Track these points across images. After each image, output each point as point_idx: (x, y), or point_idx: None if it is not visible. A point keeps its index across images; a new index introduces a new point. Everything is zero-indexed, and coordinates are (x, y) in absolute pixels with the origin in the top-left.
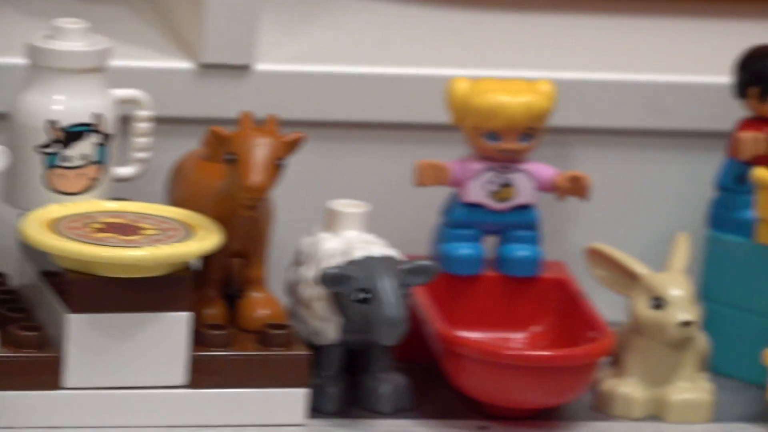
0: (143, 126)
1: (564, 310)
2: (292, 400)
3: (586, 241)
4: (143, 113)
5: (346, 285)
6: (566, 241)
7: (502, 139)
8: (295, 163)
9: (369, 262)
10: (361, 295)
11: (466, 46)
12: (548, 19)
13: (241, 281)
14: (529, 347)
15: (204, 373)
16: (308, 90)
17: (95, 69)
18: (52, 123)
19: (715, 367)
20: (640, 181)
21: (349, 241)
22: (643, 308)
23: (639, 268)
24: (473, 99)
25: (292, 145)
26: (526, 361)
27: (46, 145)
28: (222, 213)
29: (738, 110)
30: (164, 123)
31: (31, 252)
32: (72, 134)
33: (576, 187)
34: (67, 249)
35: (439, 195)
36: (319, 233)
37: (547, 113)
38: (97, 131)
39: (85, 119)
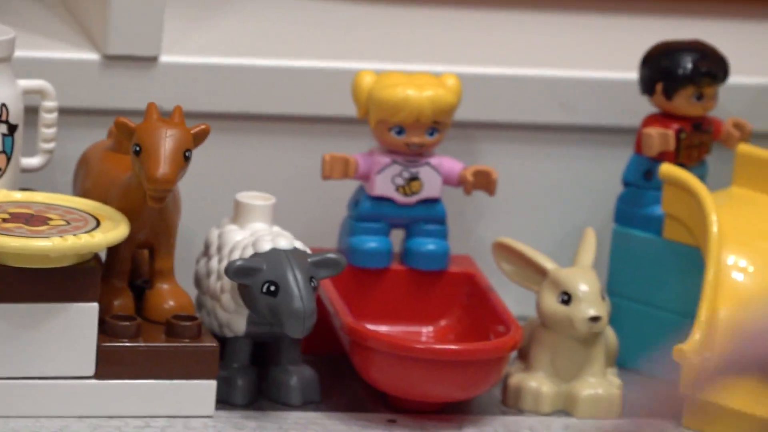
0: (49, 117)
1: (472, 304)
2: (201, 392)
3: (493, 236)
4: (49, 104)
5: (253, 277)
6: (474, 235)
7: (408, 133)
8: (202, 154)
9: (276, 254)
10: (269, 288)
11: (372, 40)
12: (455, 13)
13: (148, 272)
14: (437, 341)
15: (111, 363)
16: (214, 82)
17: (1, 59)
18: None
19: (621, 362)
20: (547, 176)
21: (257, 233)
22: (551, 303)
23: (546, 263)
24: (379, 92)
25: (198, 137)
26: (434, 355)
27: None
28: (129, 204)
29: (645, 106)
30: (70, 114)
31: None
32: None
33: (483, 182)
34: None
35: (347, 188)
36: (227, 225)
37: (453, 107)
38: (2, 121)
39: None
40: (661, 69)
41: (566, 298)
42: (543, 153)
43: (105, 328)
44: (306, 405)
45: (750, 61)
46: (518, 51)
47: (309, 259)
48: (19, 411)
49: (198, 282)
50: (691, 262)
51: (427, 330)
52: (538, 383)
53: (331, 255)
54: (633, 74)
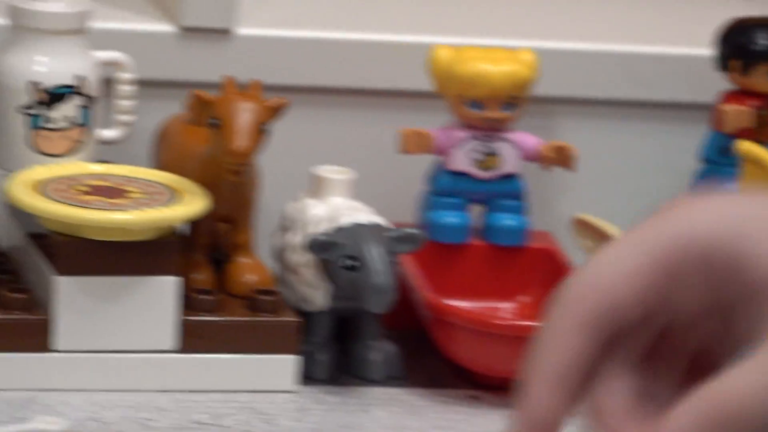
0: (126, 88)
1: (551, 281)
2: (282, 367)
3: (572, 212)
4: (126, 76)
5: (333, 252)
6: (553, 211)
7: (485, 108)
8: (279, 128)
9: (356, 229)
10: (349, 263)
11: (449, 14)
12: None
13: (228, 246)
14: (517, 317)
15: (193, 337)
16: (291, 55)
17: (77, 30)
18: (35, 84)
19: None
20: (625, 152)
21: (336, 207)
22: None
23: None
24: (456, 67)
25: (276, 110)
26: (515, 331)
27: (29, 107)
28: (207, 177)
29: (721, 82)
30: (147, 86)
31: (17, 213)
32: (55, 96)
33: (561, 157)
34: (54, 211)
35: (424, 163)
36: (305, 199)
37: (529, 82)
38: (80, 93)
39: (68, 81)
40: (738, 46)
41: None
42: (620, 129)
43: (186, 302)
44: (388, 380)
45: None
46: (595, 26)
47: (388, 234)
48: (100, 385)
49: (277, 256)
50: None
51: (507, 306)
52: None
53: (410, 230)
54: (709, 50)
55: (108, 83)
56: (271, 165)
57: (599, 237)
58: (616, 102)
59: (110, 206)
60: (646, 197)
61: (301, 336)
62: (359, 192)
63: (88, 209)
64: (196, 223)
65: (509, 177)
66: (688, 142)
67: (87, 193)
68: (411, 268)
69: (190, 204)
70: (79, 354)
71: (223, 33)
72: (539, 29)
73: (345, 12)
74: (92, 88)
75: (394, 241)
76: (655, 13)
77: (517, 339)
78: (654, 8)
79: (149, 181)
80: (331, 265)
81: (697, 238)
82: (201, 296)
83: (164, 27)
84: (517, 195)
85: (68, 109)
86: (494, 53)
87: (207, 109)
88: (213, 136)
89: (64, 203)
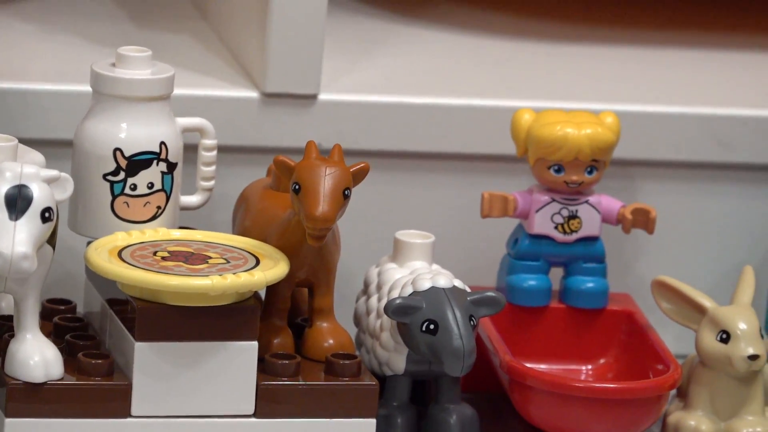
0: (208, 155)
1: (631, 343)
2: (361, 431)
3: (652, 274)
4: (208, 142)
5: (413, 315)
6: (632, 273)
7: (567, 171)
8: (361, 192)
9: (436, 292)
10: (429, 326)
11: (530, 78)
12: (613, 51)
13: (308, 311)
14: (596, 379)
15: (271, 402)
16: (373, 119)
17: (161, 97)
18: (119, 151)
19: None
20: (706, 214)
21: (416, 271)
22: (710, 341)
23: (705, 301)
24: (538, 130)
25: (358, 175)
26: (594, 393)
27: (113, 173)
28: (288, 242)
29: None
30: (229, 152)
31: (98, 280)
32: (138, 162)
33: (642, 220)
34: (134, 277)
35: (506, 226)
36: (386, 263)
37: (612, 145)
38: (162, 159)
39: (151, 147)
40: None
41: (725, 337)
42: (701, 191)
43: (264, 367)
44: None
45: None
46: (676, 88)
47: (468, 298)
48: None
49: (357, 320)
50: None
51: (586, 368)
52: (696, 422)
53: (490, 293)
54: None
55: (190, 149)
56: (353, 229)
57: (679, 299)
58: (696, 164)
59: (190, 272)
60: (727, 260)
61: (380, 400)
62: (440, 256)
63: (168, 275)
64: (275, 288)
65: (590, 239)
66: None
67: (167, 258)
68: (490, 331)
69: (271, 269)
70: (158, 419)
71: (305, 99)
72: (621, 92)
73: (426, 77)
74: (175, 154)
75: (474, 304)
76: (737, 75)
77: (595, 401)
78: (736, 70)
79: (230, 246)
80: (411, 329)
81: None
82: (279, 361)
83: (247, 93)
84: (597, 257)
85: (151, 176)
86: (577, 116)
87: (289, 173)
88: (295, 200)
89: (144, 269)
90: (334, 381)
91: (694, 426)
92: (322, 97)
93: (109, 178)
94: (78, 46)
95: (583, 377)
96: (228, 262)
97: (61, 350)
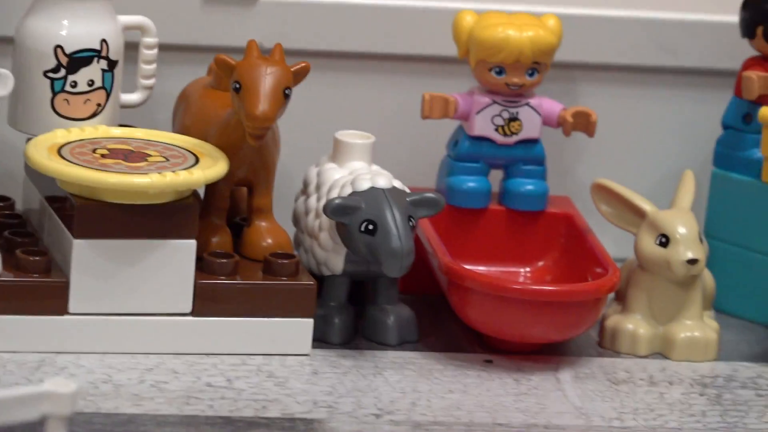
0: (149, 53)
1: (569, 246)
2: (298, 330)
3: (592, 177)
4: (149, 40)
5: (352, 216)
6: (572, 176)
7: (508, 73)
8: (301, 92)
9: (375, 193)
10: (367, 226)
11: None
12: None
13: (247, 210)
14: (534, 282)
15: (209, 301)
16: (314, 20)
17: None
18: (60, 48)
19: (719, 306)
20: (646, 119)
21: (356, 171)
22: (649, 245)
23: (645, 204)
24: (479, 32)
25: (298, 75)
26: (531, 296)
27: (54, 70)
28: (228, 141)
29: (746, 49)
30: (170, 50)
31: (36, 177)
32: (79, 60)
33: (582, 123)
34: (73, 174)
35: (446, 128)
36: (326, 163)
37: (553, 48)
38: (103, 57)
39: (92, 45)
40: (762, 12)
41: (664, 241)
42: (642, 95)
43: (202, 266)
44: (403, 344)
45: None
46: None
47: (408, 198)
48: (115, 347)
49: (296, 220)
50: None
51: (524, 270)
52: (634, 325)
53: (429, 194)
54: (734, 17)
55: (130, 47)
56: (293, 129)
57: (618, 202)
58: (638, 68)
59: (130, 169)
60: (667, 163)
61: (317, 300)
62: (380, 156)
63: (107, 172)
64: (215, 187)
65: (530, 142)
66: (711, 109)
67: (107, 156)
68: (429, 233)
69: (210, 168)
70: (94, 317)
71: None
72: None
73: None
74: (116, 51)
75: (414, 205)
76: None
77: (533, 303)
78: None
79: (169, 144)
80: (349, 229)
81: None
82: (218, 260)
83: None
84: (537, 160)
85: (91, 73)
86: (518, 19)
87: (229, 73)
88: (235, 99)
89: (83, 166)
90: (272, 280)
91: (631, 329)
92: None
93: (50, 75)
94: None
95: (521, 279)
96: (167, 160)
97: None
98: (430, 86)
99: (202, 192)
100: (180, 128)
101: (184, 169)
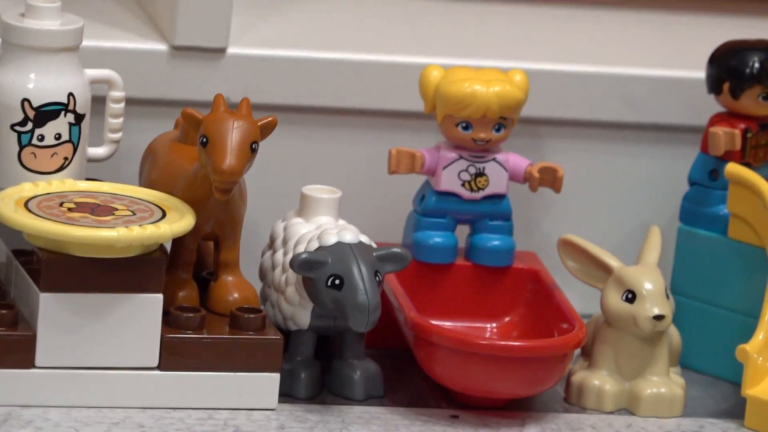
0: (116, 107)
1: (536, 301)
2: (264, 385)
3: (558, 233)
4: (116, 94)
5: (318, 270)
6: (539, 232)
7: (475, 128)
8: (268, 147)
9: (342, 248)
10: (334, 281)
11: (440, 35)
12: (522, 9)
13: (213, 264)
14: (500, 337)
15: (175, 355)
16: (282, 74)
17: (69, 48)
18: (27, 101)
19: (685, 362)
20: (613, 174)
21: (322, 226)
22: (615, 301)
23: (611, 260)
24: (446, 87)
25: (265, 129)
26: (497, 351)
27: (21, 124)
28: (195, 195)
29: (711, 105)
30: (137, 104)
31: (4, 230)
32: (46, 113)
33: (549, 179)
34: (40, 228)
35: (413, 183)
36: (293, 218)
37: (520, 103)
38: (70, 110)
39: (59, 98)
40: (728, 68)
41: (630, 297)
42: (609, 151)
43: (169, 320)
44: (369, 399)
45: None
46: (585, 48)
47: (374, 253)
48: (81, 401)
49: (263, 274)
50: (756, 262)
51: (491, 326)
52: (601, 381)
53: (396, 249)
54: (700, 73)
55: (98, 101)
56: (259, 183)
57: (585, 258)
58: (605, 124)
59: (97, 223)
60: (633, 219)
61: (284, 354)
62: (347, 211)
63: (74, 226)
64: (181, 241)
65: (497, 198)
66: (678, 165)
67: (74, 210)
68: (396, 288)
69: (177, 222)
70: (61, 370)
71: (214, 52)
72: (530, 50)
73: (335, 32)
74: (83, 105)
75: (380, 260)
76: (647, 36)
77: (499, 359)
78: (645, 31)
79: (136, 198)
80: (316, 284)
81: None
82: (184, 314)
83: (156, 45)
84: (503, 216)
85: (58, 127)
86: (485, 74)
87: (196, 127)
88: (202, 153)
89: (50, 220)
90: (238, 335)
91: (598, 385)
92: (231, 50)
93: (17, 128)
94: None
95: (487, 335)
96: (134, 214)
97: None
98: (396, 141)
99: (168, 246)
100: (147, 182)
101: (151, 223)
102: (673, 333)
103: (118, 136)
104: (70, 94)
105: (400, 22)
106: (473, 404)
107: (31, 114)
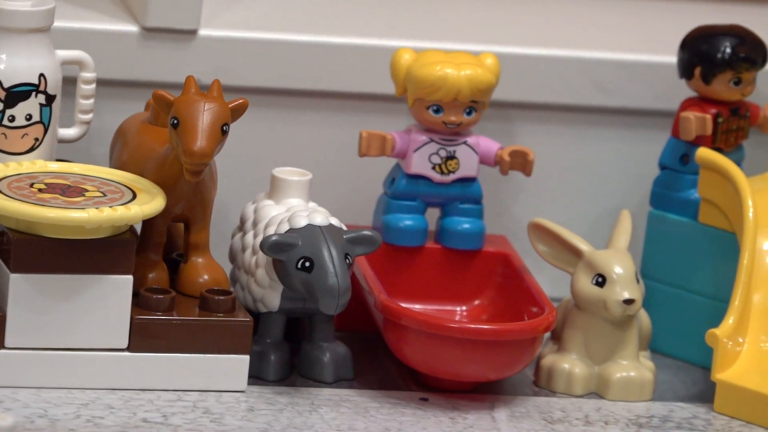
0: (87, 88)
1: (506, 285)
2: (234, 367)
3: (529, 216)
4: (87, 75)
5: (288, 253)
6: (509, 215)
7: (446, 112)
8: (239, 129)
9: (312, 230)
10: (304, 263)
11: (411, 18)
12: None
13: (184, 246)
14: (470, 320)
15: (145, 336)
16: (253, 56)
17: (41, 29)
18: None
19: (655, 346)
20: (584, 158)
21: (293, 208)
22: (586, 285)
23: (581, 244)
24: (417, 71)
25: (236, 111)
26: (467, 334)
27: None
28: (165, 177)
29: (683, 90)
30: (108, 85)
31: None
32: (17, 94)
33: (519, 162)
34: (9, 208)
35: (383, 166)
36: (263, 200)
37: (491, 87)
38: (41, 91)
39: (30, 79)
40: (700, 53)
41: (601, 280)
42: (580, 135)
43: (139, 301)
44: (338, 382)
45: None
46: (557, 32)
47: (344, 236)
48: (51, 382)
49: (233, 256)
50: (726, 247)
51: (460, 309)
52: (570, 365)
53: (366, 232)
54: (672, 58)
55: (69, 82)
56: (230, 166)
57: (555, 242)
58: (576, 108)
59: (67, 204)
60: (604, 203)
61: (253, 336)
62: (317, 194)
63: (44, 207)
64: (152, 222)
65: (467, 181)
66: (649, 149)
67: (44, 191)
68: (366, 271)
69: (147, 203)
70: (30, 351)
71: (186, 34)
72: (502, 34)
73: (307, 14)
74: (54, 86)
75: (350, 243)
76: (618, 20)
77: (469, 342)
78: (617, 15)
79: (107, 179)
80: (286, 266)
81: None
82: (154, 295)
83: (127, 27)
84: (474, 199)
85: (29, 108)
86: (456, 57)
87: (168, 108)
88: (173, 135)
89: (20, 201)
90: (208, 316)
91: (567, 369)
92: (202, 32)
93: None
94: None
95: (457, 318)
96: (105, 195)
97: None
98: (367, 124)
99: (139, 228)
100: (117, 163)
101: (122, 204)
102: (643, 317)
103: (89, 117)
104: (41, 75)
105: (371, 5)
106: (443, 387)
107: (1, 95)
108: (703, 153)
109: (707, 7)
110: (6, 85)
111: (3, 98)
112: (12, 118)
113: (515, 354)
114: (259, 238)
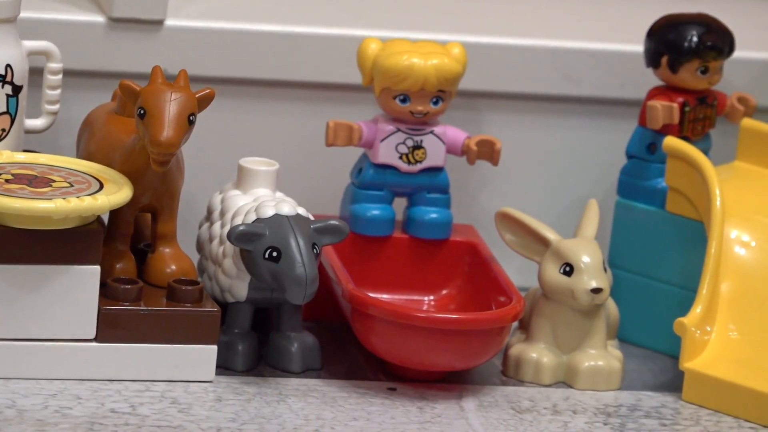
0: (54, 78)
1: (474, 274)
2: (201, 357)
3: (496, 206)
4: (54, 65)
5: (255, 243)
6: (477, 204)
7: (413, 101)
8: (206, 119)
9: (279, 220)
10: (271, 253)
11: (378, 8)
12: None
13: (151, 236)
14: (438, 310)
15: (112, 327)
16: (220, 46)
17: (7, 20)
18: None
19: (623, 335)
20: (551, 147)
21: (260, 198)
22: (553, 274)
23: (549, 233)
24: (384, 60)
25: (203, 101)
26: (434, 324)
27: None
28: (132, 167)
29: (650, 79)
30: (75, 76)
31: None
32: None
33: (486, 151)
34: None
35: (350, 155)
36: (230, 190)
37: (458, 76)
38: (8, 82)
39: None
40: (667, 42)
41: (568, 269)
42: (547, 124)
43: (106, 291)
44: (306, 372)
45: (755, 35)
46: (524, 21)
47: (312, 226)
48: (18, 373)
49: (200, 246)
50: (693, 236)
51: (428, 299)
52: (538, 354)
53: (333, 222)
54: (638, 47)
55: (35, 72)
56: (197, 156)
57: (523, 231)
58: (543, 97)
59: (34, 195)
60: (571, 192)
61: (221, 327)
62: (284, 183)
63: (11, 197)
64: (119, 213)
65: (434, 170)
66: (615, 138)
67: (11, 181)
68: (333, 260)
69: (114, 193)
70: None
71: (152, 24)
72: (469, 23)
73: (273, 4)
74: (20, 77)
75: (317, 232)
76: (585, 9)
77: (436, 331)
78: (583, 4)
79: (74, 170)
80: (254, 256)
81: None
82: (121, 286)
83: (94, 17)
84: (441, 189)
85: None
86: (423, 47)
87: (134, 98)
88: (139, 125)
89: None
90: (175, 307)
91: (535, 358)
92: (169, 22)
93: None
94: None
95: (425, 308)
96: (72, 186)
97: None
98: (334, 114)
99: (106, 218)
100: (84, 154)
101: (89, 194)
102: (611, 306)
103: (55, 107)
104: (8, 66)
105: None
106: (411, 377)
107: None
108: (670, 142)
109: None
110: None
111: None
112: None
113: (483, 343)
114: (227, 228)
